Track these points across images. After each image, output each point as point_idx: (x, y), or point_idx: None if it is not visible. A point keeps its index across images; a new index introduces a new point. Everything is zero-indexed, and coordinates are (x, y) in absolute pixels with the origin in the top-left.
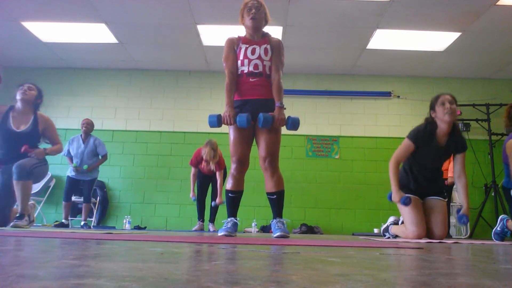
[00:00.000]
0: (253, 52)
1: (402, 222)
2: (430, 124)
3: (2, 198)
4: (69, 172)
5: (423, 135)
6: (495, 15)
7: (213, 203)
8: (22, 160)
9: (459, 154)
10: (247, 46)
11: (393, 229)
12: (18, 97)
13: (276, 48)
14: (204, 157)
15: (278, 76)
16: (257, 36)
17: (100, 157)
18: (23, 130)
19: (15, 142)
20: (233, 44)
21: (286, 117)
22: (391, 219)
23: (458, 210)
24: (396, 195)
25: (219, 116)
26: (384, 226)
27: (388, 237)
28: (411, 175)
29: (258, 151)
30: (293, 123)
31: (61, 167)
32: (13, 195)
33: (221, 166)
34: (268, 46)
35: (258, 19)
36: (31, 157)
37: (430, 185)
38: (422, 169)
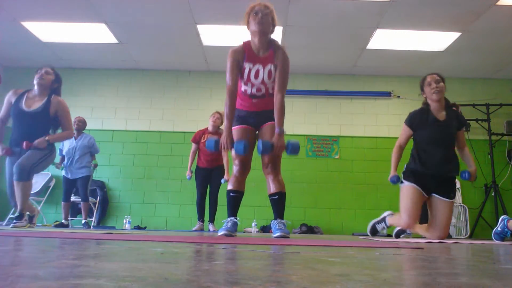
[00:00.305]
0: (256, 75)
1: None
2: (425, 104)
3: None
4: (63, 172)
5: (418, 116)
6: (495, 15)
7: (222, 181)
8: (23, 158)
9: (459, 131)
10: (251, 66)
11: (390, 220)
12: (35, 81)
13: (281, 64)
14: (212, 120)
15: (281, 96)
16: (262, 48)
17: (91, 155)
18: (33, 109)
19: (25, 121)
20: (238, 58)
21: (286, 142)
22: (387, 212)
23: (465, 171)
24: (390, 175)
25: (217, 141)
26: (377, 219)
27: (383, 228)
28: (418, 159)
29: (261, 157)
30: (293, 148)
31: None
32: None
33: None
34: (272, 67)
35: (265, 24)
36: (34, 149)
37: (439, 166)
38: (428, 146)
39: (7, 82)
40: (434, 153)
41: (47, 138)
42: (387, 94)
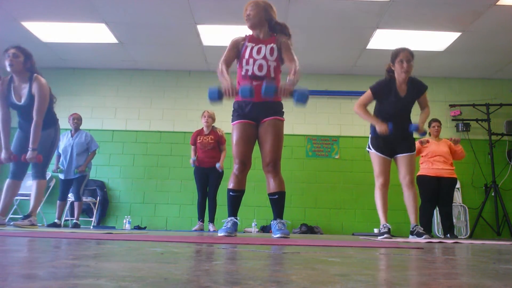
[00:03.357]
0: (258, 51)
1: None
2: (389, 73)
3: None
4: (61, 175)
5: (384, 88)
6: (495, 15)
7: (217, 165)
8: (34, 162)
9: (422, 95)
10: (253, 45)
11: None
12: (8, 69)
13: (284, 45)
14: (204, 121)
15: (295, 65)
16: (262, 35)
17: (89, 153)
18: (23, 103)
19: (20, 114)
20: (237, 45)
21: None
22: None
23: (413, 124)
24: (381, 126)
25: (219, 91)
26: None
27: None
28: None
29: (261, 155)
30: (300, 95)
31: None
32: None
33: (223, 140)
34: (275, 46)
35: (253, 19)
36: (31, 156)
37: (399, 133)
38: (385, 116)
39: None
40: (395, 122)
41: (31, 147)
42: None
